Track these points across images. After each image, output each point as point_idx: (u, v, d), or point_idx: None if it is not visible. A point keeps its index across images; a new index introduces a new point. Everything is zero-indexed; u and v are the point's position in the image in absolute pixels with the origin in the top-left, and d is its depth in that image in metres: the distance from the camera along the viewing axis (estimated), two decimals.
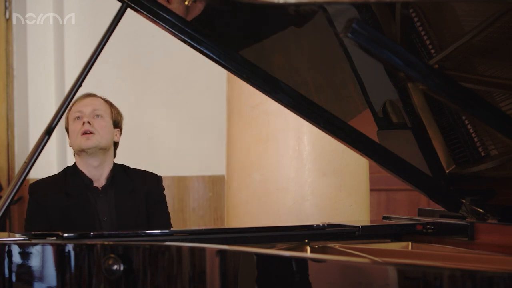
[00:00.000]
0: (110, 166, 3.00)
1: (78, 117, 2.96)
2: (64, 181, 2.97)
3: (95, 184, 2.97)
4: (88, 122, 2.93)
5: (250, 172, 3.45)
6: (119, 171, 3.01)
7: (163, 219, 3.03)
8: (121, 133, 3.07)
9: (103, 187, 2.97)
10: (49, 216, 2.91)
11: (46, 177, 3.07)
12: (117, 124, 3.03)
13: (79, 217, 2.89)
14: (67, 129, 3.02)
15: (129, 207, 2.95)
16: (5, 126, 5.26)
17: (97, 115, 2.96)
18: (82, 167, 2.98)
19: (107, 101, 3.05)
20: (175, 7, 2.24)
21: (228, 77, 3.57)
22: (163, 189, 3.09)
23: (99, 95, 3.07)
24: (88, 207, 2.92)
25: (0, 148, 5.27)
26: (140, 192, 3.00)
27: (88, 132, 2.92)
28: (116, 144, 3.05)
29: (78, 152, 2.97)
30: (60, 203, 2.92)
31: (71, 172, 3.00)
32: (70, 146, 3.02)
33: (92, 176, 2.97)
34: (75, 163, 3.02)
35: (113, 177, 2.99)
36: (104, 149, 2.96)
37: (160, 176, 3.10)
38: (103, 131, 2.95)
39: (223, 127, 3.72)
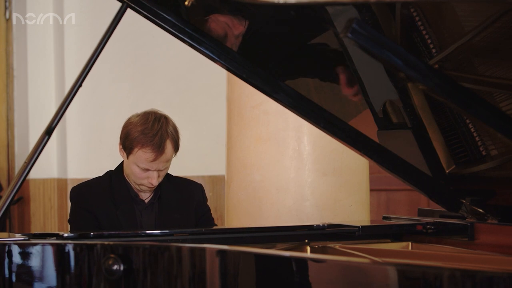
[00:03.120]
0: None
1: (144, 169, 2.84)
2: (110, 189, 2.90)
3: (141, 197, 2.92)
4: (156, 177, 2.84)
5: (250, 172, 3.45)
6: (164, 182, 2.93)
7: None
8: None
9: (150, 201, 2.92)
10: (100, 224, 2.84)
11: (89, 182, 2.97)
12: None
13: (125, 228, 2.83)
14: (125, 150, 2.87)
15: (176, 221, 2.89)
16: (5, 126, 5.26)
17: (164, 168, 2.87)
18: (129, 180, 2.91)
19: (173, 141, 2.85)
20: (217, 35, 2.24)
21: (228, 77, 3.57)
22: (206, 199, 3.06)
23: (168, 132, 2.83)
24: (134, 219, 2.87)
25: (0, 148, 5.27)
26: (188, 207, 2.95)
27: (153, 187, 2.87)
28: None
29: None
30: (109, 211, 2.85)
31: (117, 181, 2.91)
32: (126, 172, 2.91)
33: (138, 190, 2.92)
34: (121, 170, 2.93)
35: (159, 191, 2.93)
36: None
37: (201, 185, 3.05)
38: (163, 177, 2.89)
39: (223, 127, 3.72)
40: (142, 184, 2.87)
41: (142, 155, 2.81)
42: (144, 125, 2.82)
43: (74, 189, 2.94)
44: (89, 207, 2.86)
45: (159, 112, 2.90)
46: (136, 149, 2.82)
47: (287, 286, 1.75)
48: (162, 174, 2.87)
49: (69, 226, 2.98)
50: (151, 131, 2.81)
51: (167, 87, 5.22)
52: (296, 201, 3.38)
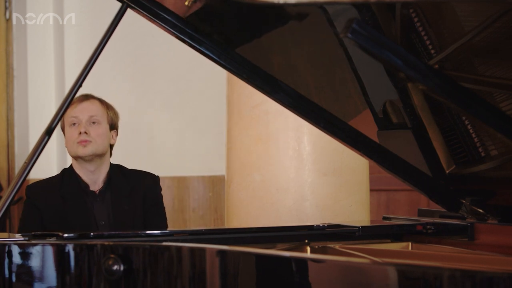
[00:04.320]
0: (107, 169, 2.99)
1: (74, 123, 2.93)
2: (61, 184, 2.96)
3: (92, 188, 2.96)
4: (85, 132, 2.91)
5: (250, 172, 3.45)
6: (116, 173, 2.99)
7: (158, 221, 3.01)
8: (117, 134, 3.04)
9: (100, 191, 2.96)
10: (43, 219, 2.89)
11: (44, 179, 3.05)
12: (113, 126, 3.00)
13: (75, 221, 2.87)
14: (63, 130, 3.00)
15: (127, 210, 2.93)
16: (5, 126, 5.26)
17: (94, 122, 2.94)
18: (78, 171, 2.97)
19: (103, 103, 3.00)
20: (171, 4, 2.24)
21: (228, 77, 3.57)
22: (161, 189, 3.07)
23: (96, 95, 3.03)
24: (84, 212, 2.91)
25: (0, 148, 5.27)
26: (137, 193, 2.98)
27: (84, 141, 2.91)
28: (111, 146, 3.03)
29: (75, 157, 2.96)
30: (56, 206, 2.90)
31: (68, 175, 2.98)
32: (66, 147, 3.01)
33: (88, 180, 2.96)
34: (72, 166, 3.00)
35: (110, 180, 2.97)
36: (100, 155, 2.95)
37: (157, 176, 3.08)
38: (99, 138, 2.93)
39: (223, 127, 3.72)
40: (77, 145, 2.91)
41: (70, 111, 2.91)
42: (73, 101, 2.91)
43: (27, 187, 3.00)
44: (35, 203, 2.93)
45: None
46: (66, 114, 2.88)
47: (287, 286, 1.75)
48: (94, 132, 2.91)
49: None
50: (78, 100, 2.94)
51: (167, 87, 5.21)
52: (296, 201, 3.38)
